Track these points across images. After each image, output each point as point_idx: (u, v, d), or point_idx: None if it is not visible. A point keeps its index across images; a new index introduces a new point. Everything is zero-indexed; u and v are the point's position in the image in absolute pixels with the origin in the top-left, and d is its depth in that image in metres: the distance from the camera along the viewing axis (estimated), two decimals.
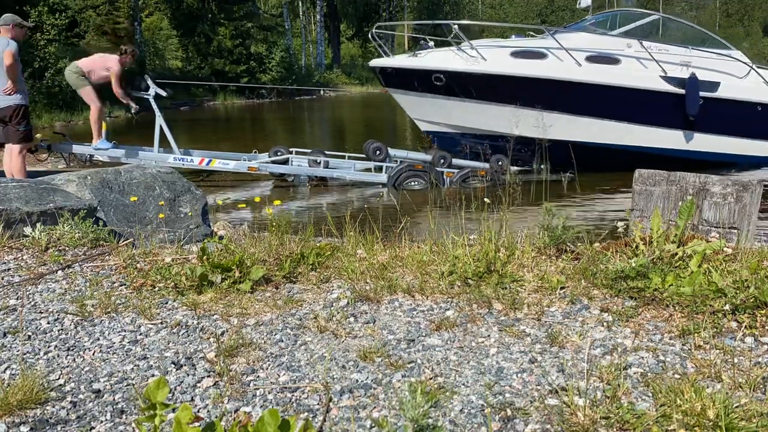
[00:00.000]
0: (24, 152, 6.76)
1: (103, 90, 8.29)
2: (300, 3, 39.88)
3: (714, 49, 8.82)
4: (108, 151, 8.24)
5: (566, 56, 8.31)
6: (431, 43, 9.23)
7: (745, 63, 8.78)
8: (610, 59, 8.54)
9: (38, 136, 8.33)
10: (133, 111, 8.46)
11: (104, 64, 8.10)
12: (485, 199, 3.07)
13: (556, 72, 8.36)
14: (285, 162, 8.62)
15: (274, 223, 3.13)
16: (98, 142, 8.22)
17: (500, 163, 8.38)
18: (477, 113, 8.71)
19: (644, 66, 8.49)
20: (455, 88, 8.53)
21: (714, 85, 8.53)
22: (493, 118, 8.70)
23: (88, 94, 8.05)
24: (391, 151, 8.84)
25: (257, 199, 6.22)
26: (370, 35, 9.65)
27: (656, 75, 8.45)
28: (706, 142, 8.82)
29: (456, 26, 8.48)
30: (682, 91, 8.40)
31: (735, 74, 8.68)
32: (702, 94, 8.41)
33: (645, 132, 8.65)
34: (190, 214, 4.43)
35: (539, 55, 8.51)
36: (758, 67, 8.94)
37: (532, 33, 9.76)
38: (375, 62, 9.25)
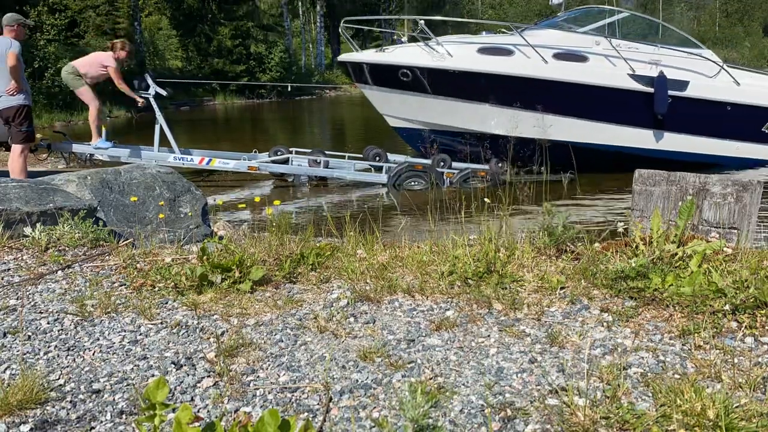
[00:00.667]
0: (26, 153, 6.77)
1: (102, 89, 8.30)
2: (300, 3, 39.86)
3: (684, 48, 8.76)
4: (108, 151, 8.26)
5: (534, 53, 8.23)
6: (404, 39, 9.17)
7: (715, 62, 8.70)
8: (577, 56, 8.45)
9: (38, 136, 8.34)
10: (139, 104, 8.45)
11: (100, 62, 8.12)
12: (485, 199, 3.07)
13: (521, 69, 8.28)
14: (285, 162, 8.62)
15: (274, 224, 3.13)
16: (98, 142, 8.23)
17: (496, 162, 8.32)
18: (444, 110, 8.63)
19: (612, 64, 8.40)
20: (421, 84, 8.46)
21: (683, 84, 8.45)
22: (459, 115, 8.62)
23: (84, 94, 8.07)
24: (391, 157, 8.82)
25: (257, 199, 6.22)
26: (340, 30, 9.59)
27: (624, 73, 8.37)
28: (675, 142, 8.74)
29: (422, 22, 8.46)
30: (651, 90, 8.31)
31: (705, 73, 8.61)
32: (671, 93, 8.33)
33: (613, 130, 8.56)
34: (190, 214, 4.43)
35: (506, 52, 8.43)
36: (729, 67, 8.85)
37: (503, 30, 9.65)
38: (343, 57, 9.21)
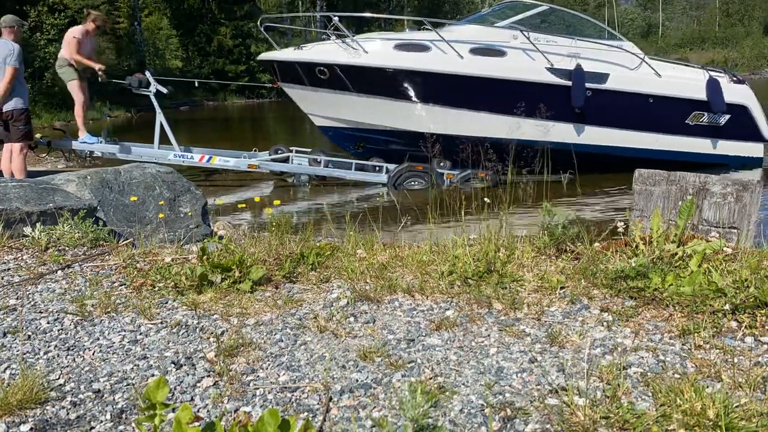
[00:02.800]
0: (25, 151, 6.78)
1: (102, 88, 8.34)
2: (300, 3, 39.85)
3: (604, 41, 8.62)
4: (108, 148, 8.28)
5: (451, 49, 8.11)
6: (332, 37, 9.09)
7: (635, 54, 8.56)
8: (494, 51, 8.30)
9: (38, 135, 8.37)
10: (99, 75, 8.44)
11: (69, 39, 8.19)
12: (485, 199, 3.07)
13: (435, 65, 8.13)
14: (285, 161, 8.62)
15: (274, 223, 3.13)
16: (84, 137, 8.27)
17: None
18: (363, 107, 8.47)
19: (531, 58, 8.27)
20: (339, 81, 8.32)
21: (602, 77, 8.32)
22: (378, 113, 8.45)
23: (74, 88, 8.15)
24: (391, 167, 8.78)
25: (257, 199, 6.22)
26: (261, 28, 9.45)
27: (542, 67, 8.23)
28: (596, 135, 8.55)
29: (336, 18, 8.37)
30: (569, 83, 8.18)
31: (626, 65, 8.48)
32: (590, 85, 8.20)
33: (531, 125, 8.27)
34: (190, 214, 4.43)
35: (422, 48, 8.28)
36: (650, 59, 8.70)
37: (427, 26, 9.53)
38: (263, 56, 9.08)
